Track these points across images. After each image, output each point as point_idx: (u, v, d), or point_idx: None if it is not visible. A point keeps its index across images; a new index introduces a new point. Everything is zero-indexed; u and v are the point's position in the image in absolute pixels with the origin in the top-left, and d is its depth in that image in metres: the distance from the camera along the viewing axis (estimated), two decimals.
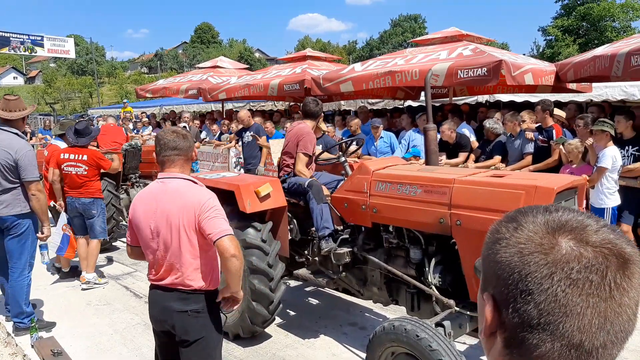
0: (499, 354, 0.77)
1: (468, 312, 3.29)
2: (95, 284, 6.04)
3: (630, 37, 6.51)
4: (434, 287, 3.43)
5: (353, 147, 5.27)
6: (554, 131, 6.33)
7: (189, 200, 2.57)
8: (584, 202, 3.51)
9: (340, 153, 4.81)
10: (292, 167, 4.61)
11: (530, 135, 6.39)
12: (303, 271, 4.58)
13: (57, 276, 6.39)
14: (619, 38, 20.07)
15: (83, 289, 5.97)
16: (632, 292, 0.69)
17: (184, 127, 11.40)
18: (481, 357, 4.18)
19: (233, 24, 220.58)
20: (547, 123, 6.50)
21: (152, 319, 2.76)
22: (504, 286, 0.74)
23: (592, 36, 38.95)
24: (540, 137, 6.43)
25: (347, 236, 4.22)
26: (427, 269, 3.47)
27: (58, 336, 4.46)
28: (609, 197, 5.26)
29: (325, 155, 5.15)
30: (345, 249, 4.04)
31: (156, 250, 2.62)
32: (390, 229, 3.79)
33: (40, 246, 5.06)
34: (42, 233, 4.67)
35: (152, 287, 2.75)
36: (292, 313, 5.08)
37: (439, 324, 3.14)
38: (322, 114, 5.00)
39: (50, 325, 4.81)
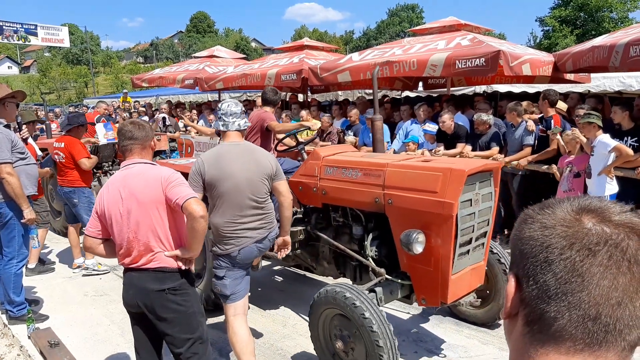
0: (520, 334, 0.77)
1: (399, 280, 3.68)
2: (94, 270, 6.08)
3: (629, 27, 6.48)
4: (370, 259, 3.82)
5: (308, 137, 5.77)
6: (552, 121, 6.32)
7: (152, 177, 2.74)
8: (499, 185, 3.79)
9: (297, 141, 5.25)
10: None
11: (532, 126, 6.36)
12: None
13: (53, 267, 6.37)
14: (616, 29, 20.00)
15: (84, 275, 6.04)
16: None
17: (163, 117, 11.57)
18: (422, 325, 4.57)
19: (229, 13, 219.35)
20: (548, 113, 6.49)
21: (126, 303, 2.85)
22: (526, 260, 0.76)
23: (590, 27, 38.85)
24: (540, 127, 6.41)
25: (301, 216, 4.62)
26: (366, 243, 3.88)
27: (55, 327, 4.44)
28: (607, 185, 5.27)
29: (287, 141, 5.62)
30: (299, 228, 4.46)
31: (128, 233, 2.70)
32: (337, 208, 4.21)
33: (29, 230, 4.99)
34: (25, 217, 4.56)
35: (126, 271, 2.85)
36: (288, 304, 5.08)
37: (371, 290, 3.53)
38: (280, 102, 5.86)
39: (43, 318, 4.79)
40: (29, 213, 4.57)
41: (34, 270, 6.03)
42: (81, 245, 6.23)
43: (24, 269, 4.84)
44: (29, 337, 4.27)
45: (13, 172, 4.42)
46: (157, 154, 9.39)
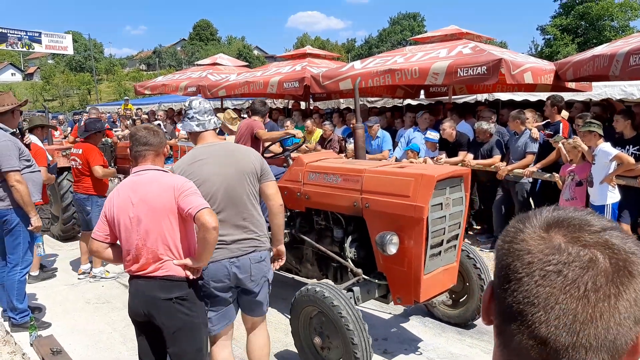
0: (495, 345, 0.78)
1: (376, 280, 3.81)
2: (102, 277, 6.12)
3: (630, 36, 6.51)
4: (349, 260, 3.95)
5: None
6: (561, 124, 6.33)
7: (166, 184, 2.69)
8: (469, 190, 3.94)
9: (283, 149, 5.50)
10: None
11: (535, 134, 6.37)
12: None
13: (55, 274, 6.38)
14: (617, 37, 20.05)
15: (90, 282, 6.05)
16: (622, 302, 0.66)
17: (158, 124, 11.62)
18: (402, 325, 4.69)
19: (232, 21, 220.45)
20: (555, 118, 6.50)
21: (132, 311, 2.79)
22: (497, 273, 0.76)
23: (591, 35, 38.95)
24: (547, 131, 6.42)
25: (286, 220, 4.62)
26: (345, 245, 4.00)
27: (57, 334, 4.44)
28: (609, 193, 5.27)
29: (274, 147, 5.87)
30: (285, 231, 4.49)
31: (137, 240, 2.66)
32: (320, 212, 4.34)
33: (35, 238, 4.99)
34: (32, 225, 4.59)
35: (132, 278, 2.79)
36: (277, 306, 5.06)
37: (348, 289, 3.69)
38: (268, 112, 6.43)
39: (46, 325, 4.80)
40: (36, 220, 4.60)
41: (37, 277, 6.04)
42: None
43: (27, 276, 4.85)
44: (32, 345, 4.27)
45: (22, 180, 4.45)
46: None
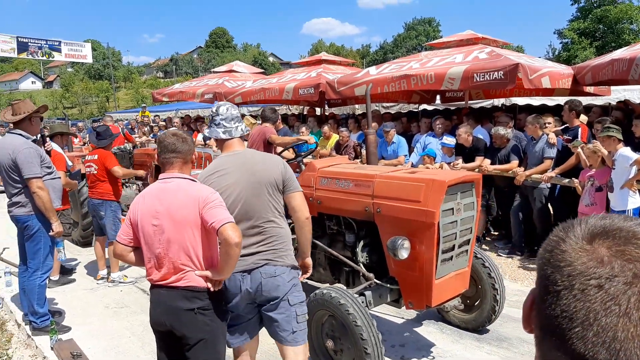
0: (535, 354, 0.76)
1: (388, 285, 3.81)
2: (120, 282, 6.20)
3: None
4: (361, 265, 3.97)
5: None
6: (579, 129, 6.26)
7: (191, 196, 2.62)
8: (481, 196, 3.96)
9: (295, 154, 5.58)
10: None
11: (553, 139, 6.31)
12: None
13: (74, 278, 6.48)
14: (636, 40, 19.76)
15: (108, 286, 6.14)
16: None
17: None
18: (419, 331, 4.63)
19: (247, 29, 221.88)
20: (574, 123, 6.43)
21: (153, 321, 2.74)
22: (536, 283, 0.74)
23: (609, 39, 38.45)
24: (565, 136, 6.35)
25: None
26: (357, 249, 4.03)
27: (77, 338, 4.50)
28: (630, 198, 5.19)
29: (286, 154, 5.81)
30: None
31: (159, 249, 2.62)
32: (332, 217, 4.37)
33: (56, 243, 5.06)
34: (53, 230, 4.67)
35: (153, 287, 2.74)
36: None
37: (360, 293, 3.70)
38: (279, 118, 6.66)
39: (66, 329, 4.86)
40: (57, 226, 4.67)
41: (57, 282, 6.13)
42: (106, 257, 6.34)
43: (47, 281, 4.93)
44: (52, 348, 4.33)
45: (43, 187, 4.53)
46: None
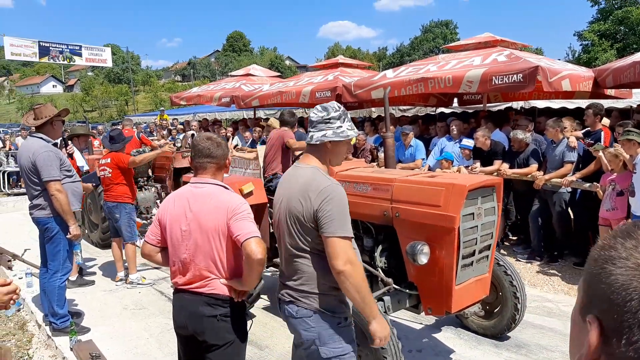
0: None
1: (407, 290, 3.77)
2: (138, 284, 6.27)
3: None
4: (379, 270, 3.90)
5: None
6: (602, 133, 6.16)
7: (221, 204, 2.57)
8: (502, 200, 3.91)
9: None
10: (277, 166, 6.03)
11: (573, 143, 6.21)
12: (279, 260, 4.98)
13: (94, 279, 6.56)
14: None
15: (127, 288, 6.22)
16: None
17: (192, 134, 11.77)
18: (436, 336, 4.60)
19: (264, 33, 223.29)
20: (596, 126, 6.34)
21: (177, 325, 2.73)
22: (618, 313, 0.63)
23: (631, 40, 37.78)
24: (588, 140, 6.25)
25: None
26: (375, 254, 3.96)
27: (96, 339, 4.55)
28: None
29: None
30: None
31: (185, 254, 2.61)
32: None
33: (73, 245, 5.12)
34: (70, 233, 4.73)
35: (177, 291, 2.72)
36: None
37: (379, 299, 3.64)
38: (297, 122, 6.64)
39: (85, 330, 4.92)
40: (75, 229, 4.73)
41: (75, 282, 6.22)
42: (124, 259, 6.41)
43: (67, 282, 5.00)
44: (72, 349, 4.38)
45: (62, 189, 4.59)
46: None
